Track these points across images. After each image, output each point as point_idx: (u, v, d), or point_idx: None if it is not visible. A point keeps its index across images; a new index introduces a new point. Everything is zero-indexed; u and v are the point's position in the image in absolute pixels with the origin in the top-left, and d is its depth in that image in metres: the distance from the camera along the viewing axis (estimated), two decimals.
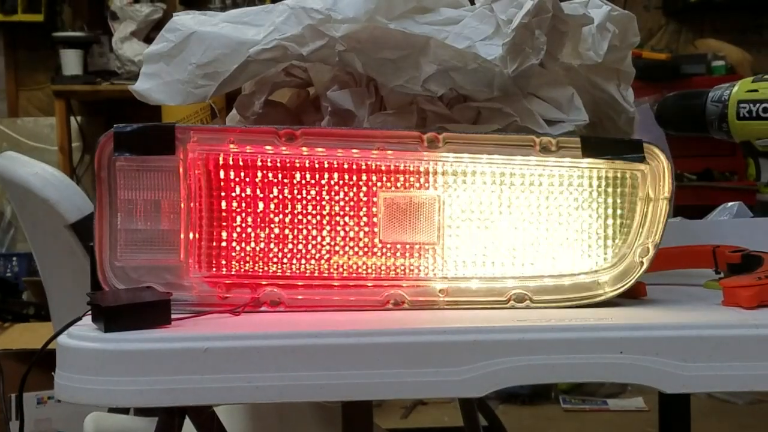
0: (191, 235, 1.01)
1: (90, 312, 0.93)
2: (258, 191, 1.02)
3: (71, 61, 4.76)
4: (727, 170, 4.68)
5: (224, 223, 1.02)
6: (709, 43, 5.14)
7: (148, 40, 4.81)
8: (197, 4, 4.92)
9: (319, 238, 1.03)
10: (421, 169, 1.03)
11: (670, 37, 5.45)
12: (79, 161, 5.10)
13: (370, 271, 1.03)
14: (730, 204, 1.45)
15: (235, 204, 1.02)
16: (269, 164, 1.01)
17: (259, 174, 1.01)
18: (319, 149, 1.01)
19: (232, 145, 1.00)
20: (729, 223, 1.39)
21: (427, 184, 1.03)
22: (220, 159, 1.01)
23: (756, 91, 1.12)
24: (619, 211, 1.04)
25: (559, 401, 4.08)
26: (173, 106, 3.78)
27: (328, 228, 1.03)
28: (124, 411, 1.75)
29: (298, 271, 1.03)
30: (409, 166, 1.02)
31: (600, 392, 4.12)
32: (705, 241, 1.22)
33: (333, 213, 1.03)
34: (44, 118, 5.17)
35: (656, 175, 1.03)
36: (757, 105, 1.11)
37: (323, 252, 1.03)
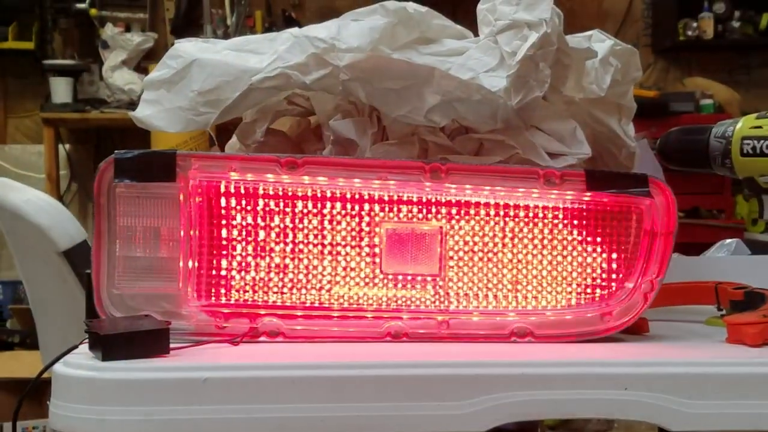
0: (190, 264, 0.99)
1: (86, 340, 0.91)
2: (259, 220, 1.01)
3: (61, 89, 4.75)
4: (715, 208, 4.70)
5: (224, 252, 1.01)
6: (697, 81, 5.18)
7: (139, 69, 4.83)
8: (187, 34, 4.92)
9: (319, 268, 1.02)
10: (424, 199, 1.02)
11: (659, 75, 5.48)
12: (66, 189, 5.08)
13: (370, 302, 1.02)
14: (728, 241, 1.44)
15: (235, 232, 1.01)
16: (270, 193, 1.01)
17: (260, 202, 1.01)
18: (321, 178, 1.00)
19: (233, 173, 0.99)
20: (728, 260, 1.39)
21: (429, 215, 1.02)
22: (221, 187, 1.00)
23: (760, 127, 1.11)
24: (622, 246, 1.03)
25: None
26: (162, 135, 3.77)
27: (329, 258, 1.02)
28: None
29: (297, 302, 1.02)
30: (412, 197, 1.02)
31: (586, 429, 4.10)
32: (704, 277, 1.22)
33: (334, 243, 1.02)
34: (32, 146, 5.16)
35: (660, 209, 1.02)
36: (761, 141, 1.11)
37: (323, 282, 1.02)
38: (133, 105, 1.13)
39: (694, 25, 5.23)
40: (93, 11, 4.89)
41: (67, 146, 5.13)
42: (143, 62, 4.90)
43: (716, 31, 5.24)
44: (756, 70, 5.53)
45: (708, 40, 5.24)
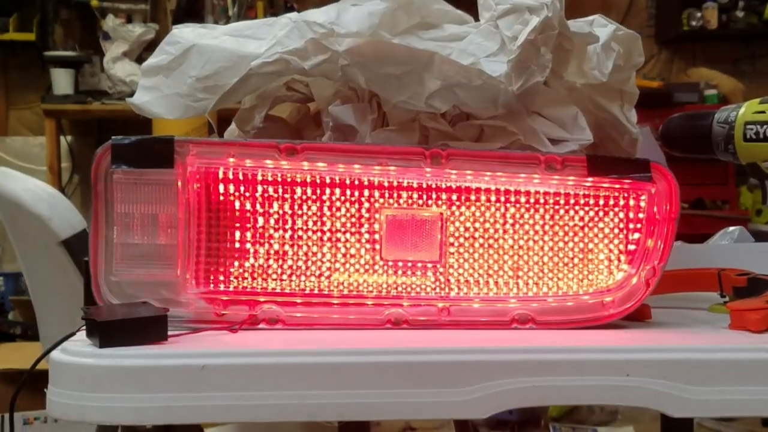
0: (189, 251, 0.99)
1: (84, 327, 0.91)
2: (257, 206, 1.00)
3: (62, 81, 4.74)
4: (719, 199, 4.69)
5: (222, 239, 1.00)
6: (702, 72, 5.16)
7: (140, 60, 4.81)
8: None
9: (319, 255, 1.01)
10: (424, 185, 1.01)
11: (663, 66, 5.46)
12: (68, 181, 5.07)
13: (370, 289, 1.01)
14: (731, 228, 1.43)
15: (233, 219, 1.00)
16: (269, 179, 1.00)
17: (259, 188, 1.00)
18: (321, 164, 0.99)
19: (231, 159, 0.99)
20: (731, 248, 1.38)
21: (429, 201, 1.01)
22: (220, 173, 0.99)
23: (763, 112, 1.10)
24: (624, 232, 1.02)
25: (549, 429, 4.05)
26: (164, 126, 3.75)
27: (328, 244, 1.01)
28: (112, 429, 1.72)
29: (297, 288, 1.01)
30: (412, 183, 1.01)
31: (590, 420, 4.09)
32: (707, 264, 1.21)
33: (334, 229, 1.01)
34: (33, 138, 5.16)
35: (663, 195, 1.01)
36: (764, 126, 1.10)
37: (323, 269, 1.01)
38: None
39: (698, 15, 5.21)
40: (94, 2, 4.88)
41: (69, 138, 5.12)
42: (145, 54, 4.88)
43: (720, 21, 5.22)
44: (761, 60, 5.51)
45: (712, 30, 5.22)
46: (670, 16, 5.34)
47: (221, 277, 1.00)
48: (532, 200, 1.02)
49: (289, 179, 1.00)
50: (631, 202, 1.02)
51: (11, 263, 4.66)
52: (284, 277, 1.01)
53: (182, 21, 4.75)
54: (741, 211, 4.66)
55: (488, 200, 1.02)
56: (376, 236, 1.01)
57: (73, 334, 0.93)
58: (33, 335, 3.71)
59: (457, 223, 1.02)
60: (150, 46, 4.90)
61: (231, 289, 1.00)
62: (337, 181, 1.00)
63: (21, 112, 5.22)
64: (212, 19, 4.67)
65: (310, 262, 1.01)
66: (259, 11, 5.11)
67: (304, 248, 1.01)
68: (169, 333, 0.91)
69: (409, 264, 1.02)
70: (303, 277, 1.01)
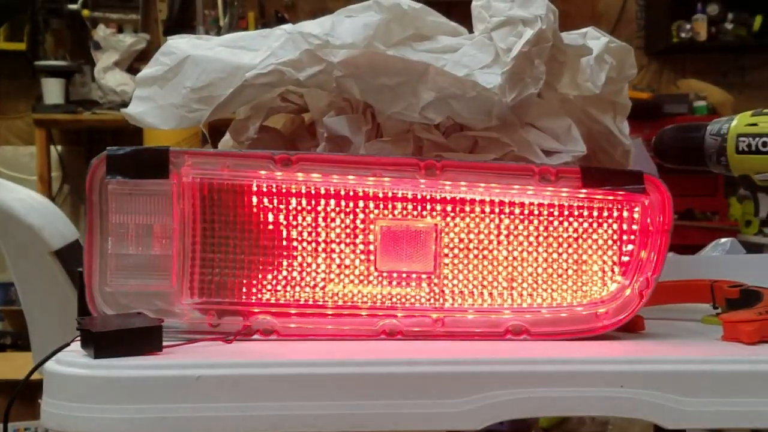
0: (183, 261, 0.99)
1: (78, 338, 0.90)
2: (252, 217, 1.00)
3: (53, 90, 4.73)
4: (709, 210, 4.70)
5: (217, 249, 1.00)
6: (691, 83, 5.18)
7: (131, 70, 4.82)
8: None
9: (313, 266, 1.01)
10: (419, 196, 1.01)
11: (652, 77, 5.48)
12: (58, 191, 5.06)
13: (365, 299, 1.01)
14: (723, 240, 1.44)
15: (228, 230, 1.00)
16: (264, 189, 1.00)
17: (254, 199, 1.00)
18: (315, 175, 1.00)
19: (226, 170, 0.99)
20: (723, 259, 1.38)
21: (424, 212, 1.01)
22: (215, 183, 0.99)
23: (755, 125, 1.11)
24: (618, 243, 1.03)
25: None
26: (155, 137, 3.74)
27: (322, 255, 1.01)
28: None
29: (291, 299, 1.01)
30: (407, 194, 1.01)
31: (581, 431, 4.09)
32: (699, 276, 1.21)
33: (328, 240, 1.01)
34: (24, 147, 5.14)
35: (656, 206, 1.01)
36: (757, 139, 1.10)
37: (317, 280, 1.01)
38: (125, 106, 1.13)
39: (688, 26, 5.23)
40: (85, 12, 4.87)
41: (59, 148, 5.11)
42: (135, 63, 4.87)
43: (709, 32, 5.24)
44: (750, 72, 5.53)
45: (701, 41, 5.24)
46: (660, 28, 5.36)
47: (216, 288, 1.00)
48: (526, 211, 1.02)
49: (283, 190, 1.00)
50: (625, 214, 1.03)
51: (1, 273, 4.64)
52: (279, 287, 1.01)
53: (173, 31, 4.74)
54: (731, 222, 4.67)
55: (482, 211, 1.02)
56: (371, 247, 1.01)
57: (67, 344, 0.93)
58: (23, 345, 3.71)
59: (451, 234, 1.02)
60: (141, 56, 4.90)
61: (226, 299, 1.00)
62: (332, 192, 1.01)
63: (11, 121, 5.21)
64: (203, 30, 4.67)
65: (304, 273, 1.01)
66: (250, 22, 5.12)
67: (299, 259, 1.01)
68: (164, 344, 0.91)
69: (404, 275, 1.02)
70: (297, 288, 1.01)
